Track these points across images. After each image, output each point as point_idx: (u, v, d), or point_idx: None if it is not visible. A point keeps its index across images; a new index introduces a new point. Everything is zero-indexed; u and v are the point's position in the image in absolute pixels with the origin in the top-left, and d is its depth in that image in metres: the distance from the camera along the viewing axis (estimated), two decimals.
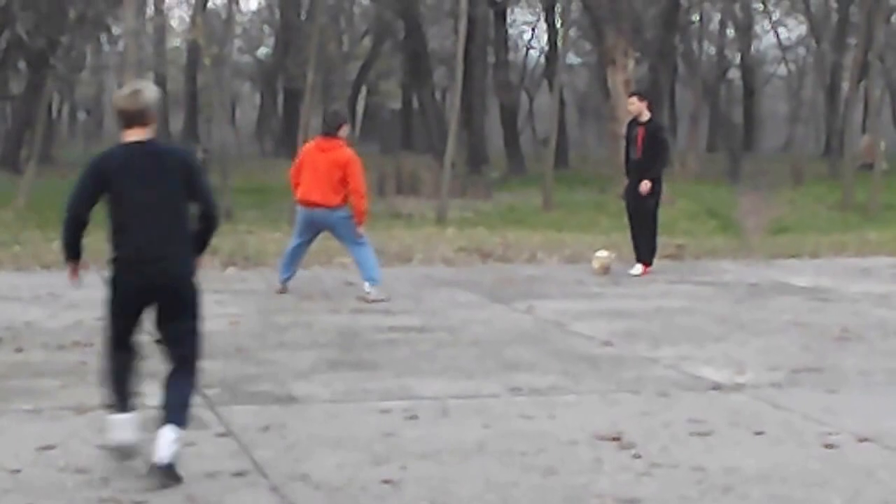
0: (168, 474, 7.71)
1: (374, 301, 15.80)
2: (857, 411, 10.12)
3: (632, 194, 18.51)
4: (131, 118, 8.24)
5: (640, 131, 18.45)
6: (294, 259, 16.66)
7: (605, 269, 18.40)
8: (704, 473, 8.26)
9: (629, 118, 19.59)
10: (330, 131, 16.39)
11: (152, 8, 54.02)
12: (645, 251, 17.87)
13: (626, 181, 19.38)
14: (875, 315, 15.05)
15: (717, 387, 11.02)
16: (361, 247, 16.30)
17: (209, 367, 11.18)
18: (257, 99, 76.13)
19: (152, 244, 8.11)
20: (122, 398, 8.25)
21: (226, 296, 15.85)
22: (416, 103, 58.39)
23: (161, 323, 8.22)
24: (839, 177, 36.31)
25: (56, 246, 17.85)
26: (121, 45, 38.12)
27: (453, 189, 29.37)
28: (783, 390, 10.91)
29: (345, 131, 16.40)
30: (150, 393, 8.49)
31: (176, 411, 7.99)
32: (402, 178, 34.96)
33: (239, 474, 8.16)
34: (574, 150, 55.47)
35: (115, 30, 44.03)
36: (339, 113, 18.34)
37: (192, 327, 8.27)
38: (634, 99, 19.25)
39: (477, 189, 35.04)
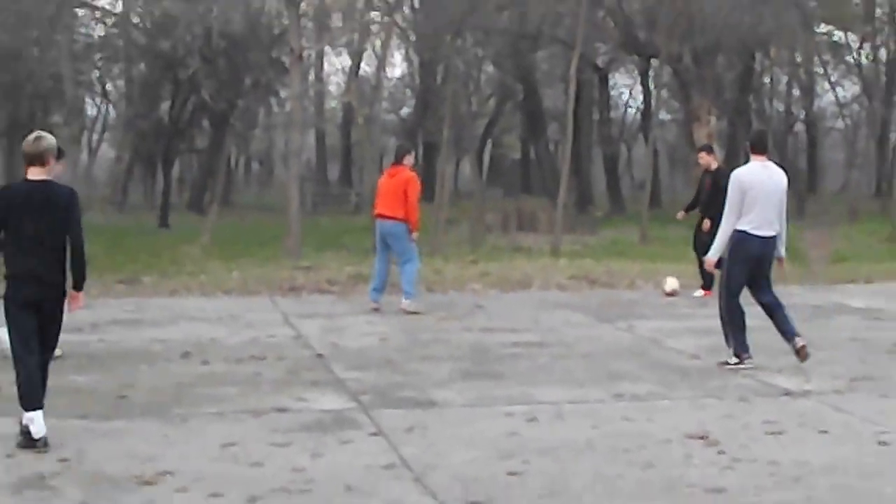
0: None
1: (409, 312, 16.26)
2: None
3: (697, 229, 18.88)
4: (31, 159, 8.97)
5: (708, 179, 18.88)
6: (378, 275, 16.92)
7: (674, 293, 18.86)
8: (777, 466, 8.28)
9: (701, 169, 20.14)
10: (397, 161, 17.09)
11: (313, 75, 54.35)
12: (705, 278, 17.82)
13: (682, 212, 20.49)
14: None
15: (787, 393, 10.96)
16: (407, 263, 16.68)
17: (363, 376, 11.27)
18: None
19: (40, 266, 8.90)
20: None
21: (375, 317, 15.98)
22: (533, 154, 58.80)
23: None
24: (889, 214, 36.00)
25: (235, 275, 18.05)
26: (287, 107, 38.57)
27: (565, 226, 29.46)
28: (843, 396, 10.86)
29: (408, 160, 17.09)
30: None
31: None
32: (522, 217, 35.47)
33: (388, 467, 8.21)
34: (665, 194, 55.44)
35: (283, 94, 44.43)
36: (403, 146, 18.69)
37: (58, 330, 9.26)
38: (703, 153, 19.86)
39: (584, 226, 35.39)
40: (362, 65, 54.66)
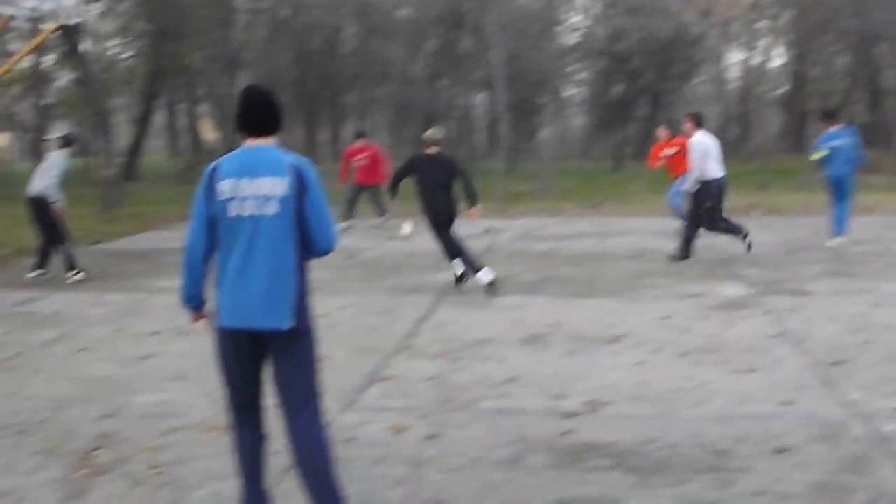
0: None
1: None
2: None
3: None
4: (432, 143, 10.59)
5: None
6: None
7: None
8: None
9: None
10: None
11: (719, 65, 52.59)
12: None
13: None
14: None
15: None
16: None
17: (757, 273, 11.07)
18: None
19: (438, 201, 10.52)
20: None
21: (774, 235, 15.55)
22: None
23: None
24: None
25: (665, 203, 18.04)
26: (701, 88, 37.91)
27: None
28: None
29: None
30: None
31: None
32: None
33: (775, 336, 8.08)
34: None
35: (697, 79, 43.54)
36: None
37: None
38: None
39: None
40: (754, 56, 52.47)
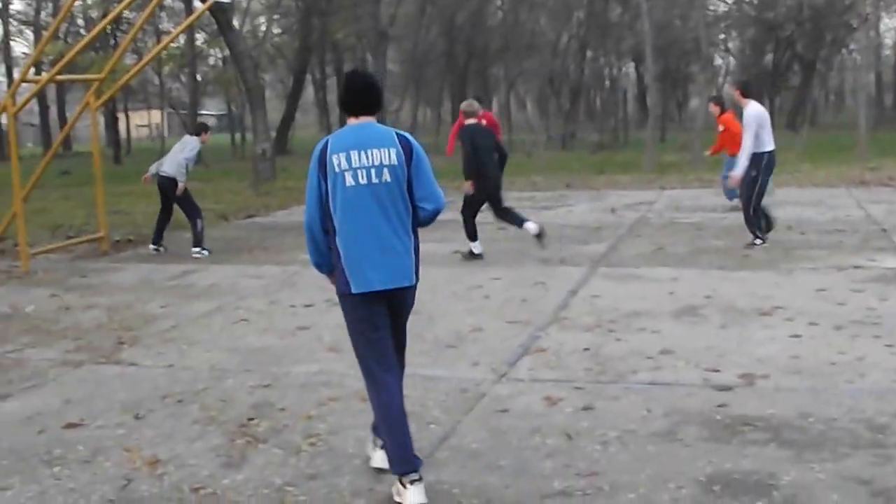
0: None
1: None
2: None
3: None
4: (469, 115, 11.16)
5: None
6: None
7: None
8: None
9: None
10: None
11: (873, 32, 50.39)
12: None
13: None
14: None
15: None
16: None
17: None
18: None
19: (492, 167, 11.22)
20: None
21: None
22: None
23: None
24: None
25: (822, 173, 17.36)
26: (855, 55, 36.38)
27: None
28: None
29: None
30: None
31: None
32: None
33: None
34: None
35: (852, 45, 41.81)
36: None
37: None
38: None
39: None
40: None
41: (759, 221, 11.23)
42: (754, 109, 10.93)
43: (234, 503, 4.50)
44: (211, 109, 69.21)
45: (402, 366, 4.70)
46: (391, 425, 4.45)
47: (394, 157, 4.39)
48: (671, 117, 49.73)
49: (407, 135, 4.52)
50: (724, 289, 8.80)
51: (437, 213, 4.49)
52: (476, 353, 6.98)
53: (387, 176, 4.37)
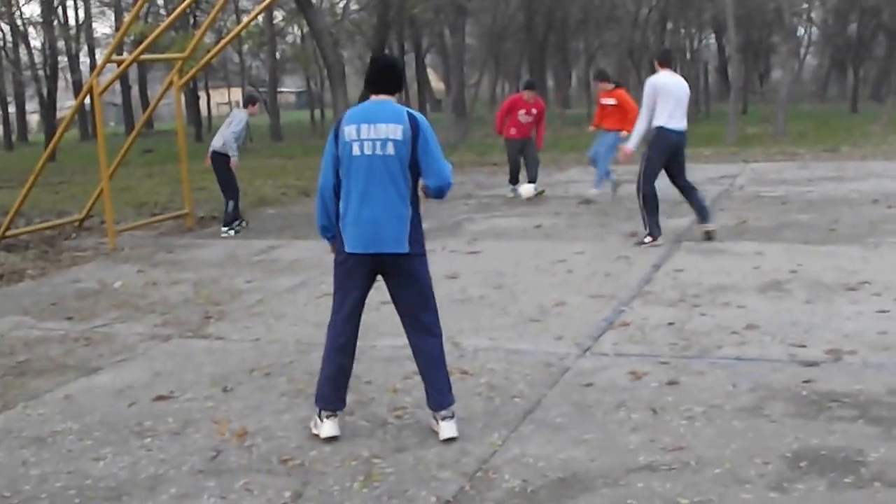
0: None
1: None
2: None
3: None
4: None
5: None
6: None
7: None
8: None
9: None
10: None
11: None
12: None
13: None
14: None
15: None
16: None
17: None
18: None
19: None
20: None
21: None
22: None
23: None
24: None
25: None
26: None
27: None
28: None
29: None
30: None
31: None
32: None
33: None
34: None
35: None
36: None
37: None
38: None
39: None
40: None
41: (654, 211, 10.11)
42: (655, 78, 10.06)
43: (321, 474, 4.58)
44: (290, 87, 69.83)
45: (430, 332, 5.05)
46: (325, 359, 5.08)
47: (399, 133, 4.75)
48: (753, 89, 48.83)
49: (417, 114, 4.86)
50: (810, 263, 8.66)
51: (441, 188, 4.84)
52: (559, 327, 6.99)
53: (390, 149, 4.75)
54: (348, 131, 4.81)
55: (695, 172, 17.07)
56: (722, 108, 34.39)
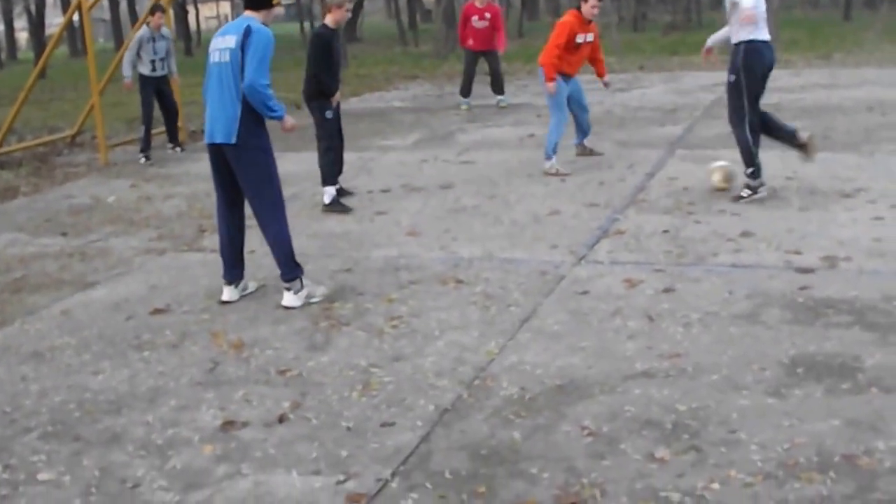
0: None
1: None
2: None
3: None
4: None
5: None
6: None
7: None
8: None
9: None
10: None
11: None
12: None
13: None
14: None
15: None
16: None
17: None
18: None
19: None
20: None
21: None
22: None
23: None
24: None
25: None
26: None
27: None
28: None
29: None
30: None
31: None
32: None
33: None
34: None
35: None
36: None
37: None
38: None
39: None
40: None
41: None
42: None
43: (319, 384, 4.55)
44: None
45: (258, 217, 5.81)
46: (219, 243, 6.03)
47: (233, 42, 5.50)
48: None
49: (257, 28, 5.50)
50: (805, 171, 8.57)
51: (247, 89, 5.42)
52: (554, 235, 6.93)
53: (226, 57, 5.53)
54: (213, 43, 5.67)
55: (687, 79, 16.96)
56: (713, 17, 33.93)
